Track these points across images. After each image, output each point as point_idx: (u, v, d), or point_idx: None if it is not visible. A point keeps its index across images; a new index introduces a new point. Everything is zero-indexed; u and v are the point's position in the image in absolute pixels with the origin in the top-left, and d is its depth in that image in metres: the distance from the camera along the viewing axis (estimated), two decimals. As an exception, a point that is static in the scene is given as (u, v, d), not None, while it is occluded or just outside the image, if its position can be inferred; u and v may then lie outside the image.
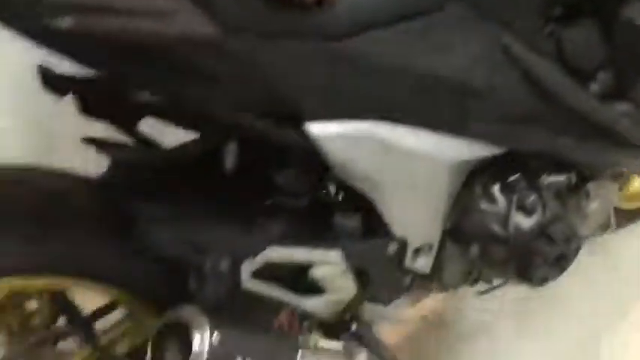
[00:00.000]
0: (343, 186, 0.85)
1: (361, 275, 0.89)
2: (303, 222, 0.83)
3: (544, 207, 0.91)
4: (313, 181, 0.87)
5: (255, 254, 0.72)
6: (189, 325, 0.66)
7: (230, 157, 0.80)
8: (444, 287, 1.04)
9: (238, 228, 0.74)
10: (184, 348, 0.66)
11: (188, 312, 0.68)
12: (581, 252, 1.60)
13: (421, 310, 1.12)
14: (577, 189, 0.96)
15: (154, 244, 0.67)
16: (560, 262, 0.93)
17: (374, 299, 0.95)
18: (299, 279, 0.84)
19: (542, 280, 0.94)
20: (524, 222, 0.90)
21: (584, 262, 1.58)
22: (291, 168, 0.85)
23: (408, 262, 0.92)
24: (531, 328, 1.43)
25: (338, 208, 0.87)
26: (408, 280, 0.96)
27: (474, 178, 0.91)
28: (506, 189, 0.91)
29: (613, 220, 1.13)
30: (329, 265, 0.83)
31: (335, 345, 0.86)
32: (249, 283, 0.74)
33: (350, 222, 0.86)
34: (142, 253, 0.75)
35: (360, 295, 0.90)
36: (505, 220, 0.90)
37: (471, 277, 1.02)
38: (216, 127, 0.90)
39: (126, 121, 0.92)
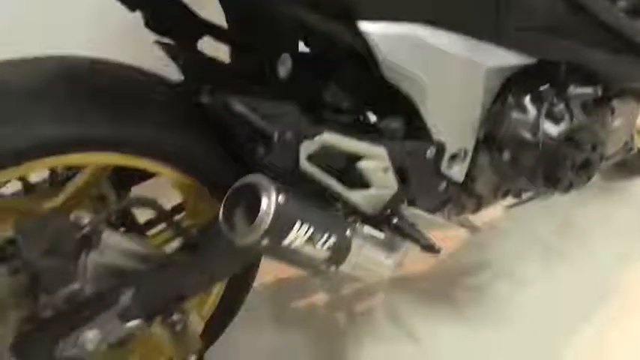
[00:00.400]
0: (388, 91, 0.93)
1: (402, 175, 0.98)
2: (351, 123, 0.92)
3: (571, 115, 0.98)
4: (358, 100, 0.95)
5: (313, 136, 0.81)
6: (257, 188, 0.76)
7: (284, 67, 0.90)
8: (476, 200, 1.12)
9: (298, 113, 0.83)
10: (252, 209, 0.76)
11: (256, 177, 0.77)
12: (605, 194, 1.69)
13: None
14: (602, 103, 1.03)
15: (228, 112, 0.76)
16: (586, 169, 1.01)
17: (413, 202, 1.04)
18: (348, 175, 0.93)
19: (568, 187, 1.02)
20: (553, 129, 0.98)
21: (607, 203, 1.67)
22: (339, 85, 0.94)
23: (444, 167, 1.01)
24: (551, 269, 1.51)
25: (382, 112, 0.96)
26: (443, 186, 1.04)
27: (507, 90, 0.99)
28: (537, 98, 0.99)
29: (636, 143, 1.20)
30: (374, 160, 0.92)
31: (378, 234, 0.95)
32: (305, 164, 0.83)
33: (393, 124, 0.95)
34: (216, 137, 0.84)
35: (400, 193, 0.98)
36: (535, 127, 0.98)
37: (501, 189, 1.10)
38: (268, 41, 0.99)
39: (186, 38, 1.02)
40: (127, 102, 0.82)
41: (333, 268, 0.87)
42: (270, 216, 0.74)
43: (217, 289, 1.05)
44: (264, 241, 0.76)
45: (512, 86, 0.99)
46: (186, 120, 0.87)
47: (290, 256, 0.81)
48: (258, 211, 0.75)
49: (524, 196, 1.15)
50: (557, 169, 0.99)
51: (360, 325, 1.38)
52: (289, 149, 0.78)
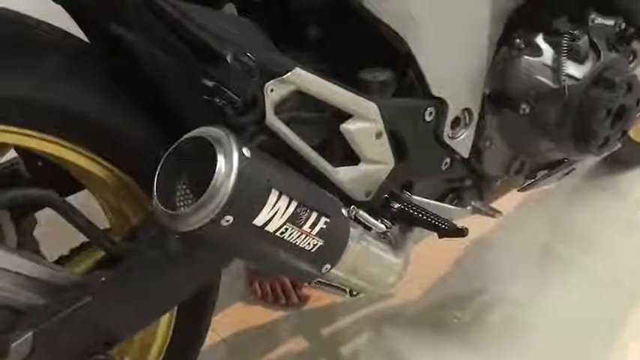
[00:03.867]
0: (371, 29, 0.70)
1: (397, 144, 0.74)
2: (332, 64, 0.68)
3: (597, 51, 0.78)
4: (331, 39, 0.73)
5: (281, 72, 0.56)
6: (209, 141, 0.49)
7: None
8: (485, 184, 0.89)
9: (261, 34, 0.58)
10: (203, 173, 0.49)
11: (206, 129, 0.50)
12: (595, 190, 1.50)
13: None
14: (624, 42, 0.84)
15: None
16: (622, 118, 0.80)
17: (408, 187, 0.79)
18: (329, 145, 0.68)
19: (603, 144, 0.80)
20: (578, 70, 0.78)
21: (600, 199, 1.48)
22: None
23: (446, 134, 0.78)
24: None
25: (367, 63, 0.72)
26: (447, 162, 0.81)
27: (511, 31, 0.79)
28: (552, 35, 0.78)
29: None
30: (364, 120, 0.68)
31: (378, 223, 0.69)
32: (272, 118, 0.57)
33: (381, 75, 0.72)
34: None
35: (397, 171, 0.74)
36: (555, 70, 0.78)
37: (514, 165, 0.88)
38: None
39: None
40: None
41: (325, 269, 0.60)
42: (233, 177, 0.47)
43: (162, 331, 0.75)
44: (226, 221, 0.48)
45: (517, 27, 0.78)
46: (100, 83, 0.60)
47: (267, 249, 0.53)
48: (213, 173, 0.48)
49: (539, 174, 0.93)
50: (590, 119, 0.77)
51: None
52: (249, 79, 0.52)
